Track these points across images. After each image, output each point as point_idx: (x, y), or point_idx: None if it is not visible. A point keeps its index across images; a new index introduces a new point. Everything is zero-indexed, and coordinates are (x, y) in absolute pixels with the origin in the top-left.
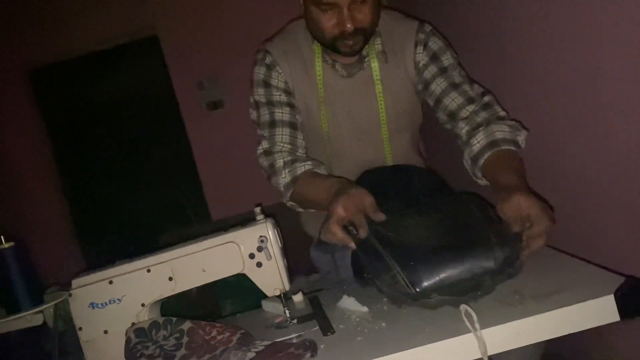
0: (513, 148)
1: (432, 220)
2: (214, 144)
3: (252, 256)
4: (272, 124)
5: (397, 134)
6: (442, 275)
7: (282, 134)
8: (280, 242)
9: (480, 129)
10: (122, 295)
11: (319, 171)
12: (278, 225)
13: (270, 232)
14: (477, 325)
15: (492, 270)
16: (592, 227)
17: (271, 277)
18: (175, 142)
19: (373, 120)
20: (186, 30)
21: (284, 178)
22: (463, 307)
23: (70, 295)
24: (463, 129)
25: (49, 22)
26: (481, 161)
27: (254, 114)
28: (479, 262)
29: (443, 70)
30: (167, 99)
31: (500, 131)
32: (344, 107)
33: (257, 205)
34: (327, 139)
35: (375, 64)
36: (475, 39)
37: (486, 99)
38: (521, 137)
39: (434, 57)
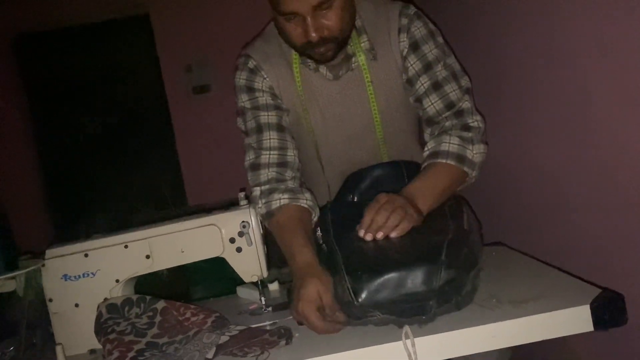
0: (451, 162)
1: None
2: (197, 128)
3: (232, 240)
4: (259, 129)
5: (393, 134)
6: (382, 288)
7: (269, 139)
8: (261, 229)
9: (435, 137)
10: (97, 270)
11: (298, 204)
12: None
13: (252, 218)
14: (414, 353)
15: (432, 291)
16: (571, 238)
17: (250, 263)
18: (157, 124)
19: (367, 123)
20: (178, 11)
21: (260, 209)
22: (405, 327)
23: (43, 265)
24: (431, 131)
25: None
26: (421, 168)
27: (240, 123)
28: (420, 280)
29: (427, 67)
30: (153, 80)
31: (448, 143)
32: (333, 112)
33: (242, 190)
34: (316, 145)
35: (364, 64)
36: (469, 43)
37: (463, 104)
38: (472, 152)
39: (416, 46)
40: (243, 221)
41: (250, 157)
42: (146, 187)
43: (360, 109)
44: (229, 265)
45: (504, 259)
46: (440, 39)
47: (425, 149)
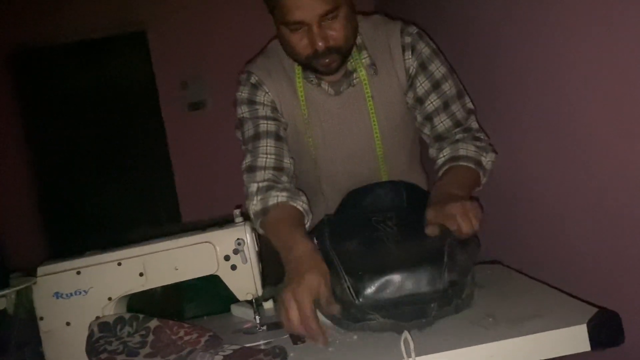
0: (472, 165)
1: (403, 233)
2: (192, 144)
3: (227, 258)
4: (256, 136)
5: (393, 151)
6: (385, 287)
7: (266, 145)
8: (257, 246)
9: (450, 145)
10: (89, 287)
11: (294, 205)
12: (255, 230)
13: (248, 236)
14: (412, 354)
15: (436, 292)
16: (568, 257)
17: (245, 281)
18: (153, 140)
19: (367, 139)
20: (175, 29)
21: (255, 205)
22: (405, 333)
23: (35, 282)
24: (439, 146)
25: (39, 4)
26: (440, 173)
27: (238, 133)
28: (424, 281)
29: (436, 85)
30: (149, 96)
31: (465, 149)
32: (334, 127)
33: (237, 207)
34: (316, 161)
35: (365, 79)
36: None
37: (471, 124)
38: (486, 159)
39: (424, 66)
40: (238, 239)
41: (247, 160)
42: (140, 203)
43: (360, 124)
44: (224, 283)
45: (500, 277)
46: (443, 58)
47: (441, 155)
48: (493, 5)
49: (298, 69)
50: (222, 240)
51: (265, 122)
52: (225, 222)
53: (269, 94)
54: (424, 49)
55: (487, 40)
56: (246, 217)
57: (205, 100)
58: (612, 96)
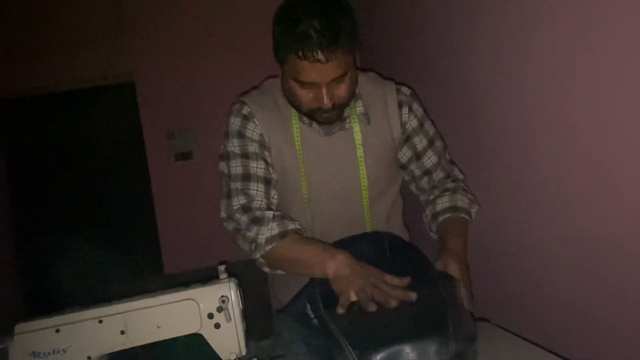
0: (467, 217)
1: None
2: (177, 195)
3: (210, 316)
4: (246, 177)
5: (378, 198)
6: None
7: (257, 190)
8: (242, 304)
9: (447, 193)
10: (68, 346)
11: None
12: (241, 285)
13: (232, 293)
14: None
15: None
16: (557, 315)
17: (229, 340)
18: (137, 190)
19: (353, 183)
20: (163, 79)
21: (271, 230)
22: None
23: (11, 341)
24: (432, 193)
25: (26, 54)
26: (440, 219)
27: (223, 165)
28: (432, 352)
29: (431, 142)
30: (135, 145)
31: (462, 201)
32: (323, 166)
33: (222, 263)
34: (307, 200)
35: (357, 127)
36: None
37: (457, 174)
38: (474, 210)
39: (421, 124)
40: (222, 296)
41: (240, 201)
42: (122, 255)
43: (348, 167)
44: (206, 341)
45: (488, 336)
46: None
47: (439, 202)
48: (478, 63)
49: (293, 110)
50: (206, 297)
51: (256, 163)
52: (208, 278)
53: (259, 127)
54: (419, 109)
55: (470, 99)
56: (231, 273)
57: (192, 151)
58: (594, 155)
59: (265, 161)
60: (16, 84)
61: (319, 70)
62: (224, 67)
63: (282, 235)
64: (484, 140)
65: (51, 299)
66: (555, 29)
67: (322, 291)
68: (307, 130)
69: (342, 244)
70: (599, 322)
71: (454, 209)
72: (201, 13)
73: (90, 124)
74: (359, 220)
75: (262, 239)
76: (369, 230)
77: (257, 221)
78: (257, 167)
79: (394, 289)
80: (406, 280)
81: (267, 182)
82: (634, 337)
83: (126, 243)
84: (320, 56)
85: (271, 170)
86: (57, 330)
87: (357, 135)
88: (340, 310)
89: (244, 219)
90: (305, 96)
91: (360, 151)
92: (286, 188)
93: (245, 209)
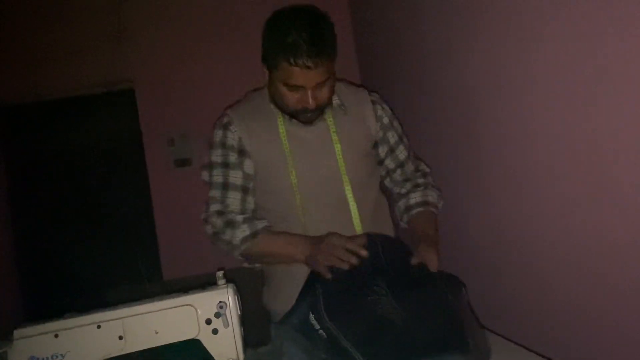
0: (435, 211)
1: (408, 310)
2: (177, 201)
3: (208, 322)
4: (225, 186)
5: (360, 188)
6: None
7: (233, 198)
8: (240, 309)
9: (418, 189)
10: (67, 351)
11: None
12: (239, 291)
13: (230, 299)
14: None
15: None
16: (556, 324)
17: (226, 345)
18: (136, 196)
19: (334, 166)
20: (163, 86)
21: (243, 232)
22: None
23: (10, 346)
24: (405, 186)
25: (25, 61)
26: (413, 212)
27: (205, 175)
28: None
29: (401, 138)
30: (135, 152)
31: (432, 196)
32: (308, 153)
33: (220, 269)
34: (297, 186)
35: (330, 116)
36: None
37: (424, 167)
38: (440, 205)
39: (392, 122)
40: (220, 301)
41: (216, 207)
42: (121, 261)
43: (327, 151)
44: (204, 347)
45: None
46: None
47: (412, 196)
48: (478, 63)
49: (277, 111)
50: (204, 303)
51: (235, 174)
52: (207, 284)
53: (237, 131)
54: (387, 109)
55: (470, 99)
56: (229, 279)
57: (192, 158)
58: (594, 156)
59: (243, 170)
60: (17, 90)
61: (307, 75)
62: (224, 74)
63: (254, 235)
64: (483, 140)
65: (50, 305)
66: (555, 29)
67: (325, 299)
68: (290, 124)
69: None
70: (599, 326)
71: (425, 203)
72: (201, 21)
73: (91, 130)
74: (344, 204)
75: (237, 240)
76: (354, 213)
77: (230, 224)
78: (235, 177)
79: (354, 247)
80: (361, 239)
81: (244, 190)
82: (634, 338)
83: (125, 249)
84: (310, 63)
85: (249, 178)
86: (56, 336)
87: (331, 122)
88: (328, 276)
89: (218, 222)
90: (291, 98)
91: (335, 137)
92: (276, 183)
93: (220, 213)
